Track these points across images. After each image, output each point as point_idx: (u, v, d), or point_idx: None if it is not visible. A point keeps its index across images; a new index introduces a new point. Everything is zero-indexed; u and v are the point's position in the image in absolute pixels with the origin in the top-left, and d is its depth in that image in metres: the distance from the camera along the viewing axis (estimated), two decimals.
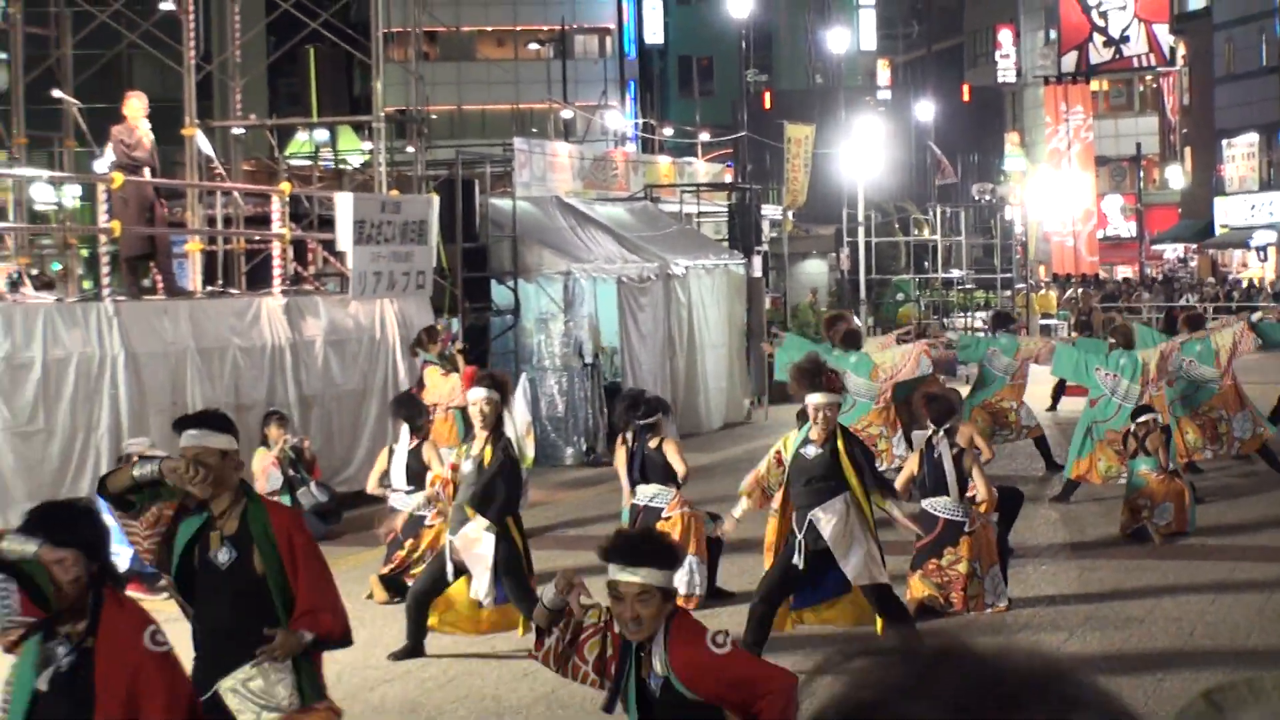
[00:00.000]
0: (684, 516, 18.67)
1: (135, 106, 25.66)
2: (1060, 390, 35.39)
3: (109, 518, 19.79)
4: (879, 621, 15.79)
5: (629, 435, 19.16)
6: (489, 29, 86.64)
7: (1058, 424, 31.63)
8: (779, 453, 16.58)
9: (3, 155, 30.28)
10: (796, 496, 15.69)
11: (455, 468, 17.07)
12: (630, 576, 8.38)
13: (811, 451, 15.58)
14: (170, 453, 22.18)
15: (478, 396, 16.45)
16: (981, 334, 29.23)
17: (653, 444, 19.02)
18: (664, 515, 18.70)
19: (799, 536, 15.44)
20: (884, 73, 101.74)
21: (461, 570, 16.34)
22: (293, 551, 10.12)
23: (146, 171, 25.74)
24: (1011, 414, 27.93)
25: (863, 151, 60.38)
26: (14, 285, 24.74)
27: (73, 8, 30.48)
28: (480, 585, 16.34)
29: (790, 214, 58.10)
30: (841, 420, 17.44)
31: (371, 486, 21.65)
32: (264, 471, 23.54)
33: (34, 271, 26.30)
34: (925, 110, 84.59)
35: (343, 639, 10.83)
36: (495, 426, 16.40)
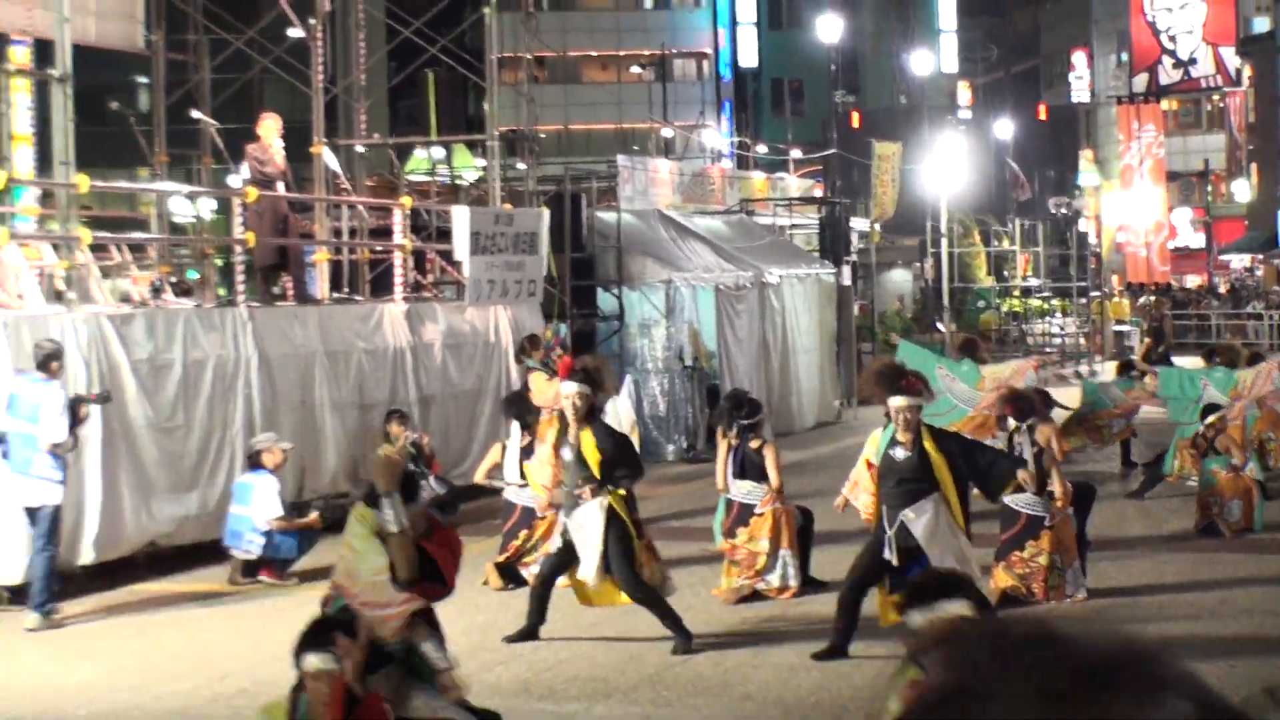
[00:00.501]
0: (775, 512, 18.70)
1: (269, 127, 25.85)
2: None
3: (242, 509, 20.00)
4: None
5: (731, 433, 19.23)
6: (594, 54, 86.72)
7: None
8: (868, 460, 16.61)
9: (145, 171, 30.52)
10: (886, 496, 15.64)
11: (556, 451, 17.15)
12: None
13: (900, 454, 15.52)
14: (298, 444, 22.40)
15: (570, 391, 16.48)
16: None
17: (754, 445, 19.10)
18: (757, 511, 18.77)
19: (889, 533, 15.43)
20: (964, 93, 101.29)
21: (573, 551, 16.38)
22: None
23: (280, 186, 25.91)
24: (1106, 431, 27.59)
25: (945, 167, 60.07)
26: (156, 292, 24.94)
27: (210, 35, 30.70)
28: (588, 567, 16.39)
29: (877, 226, 57.89)
30: (937, 424, 17.49)
31: (479, 477, 21.80)
32: None
33: (173, 279, 26.50)
34: (1004, 128, 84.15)
35: None
36: (587, 416, 16.45)
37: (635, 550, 16.13)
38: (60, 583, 18.20)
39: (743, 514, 18.84)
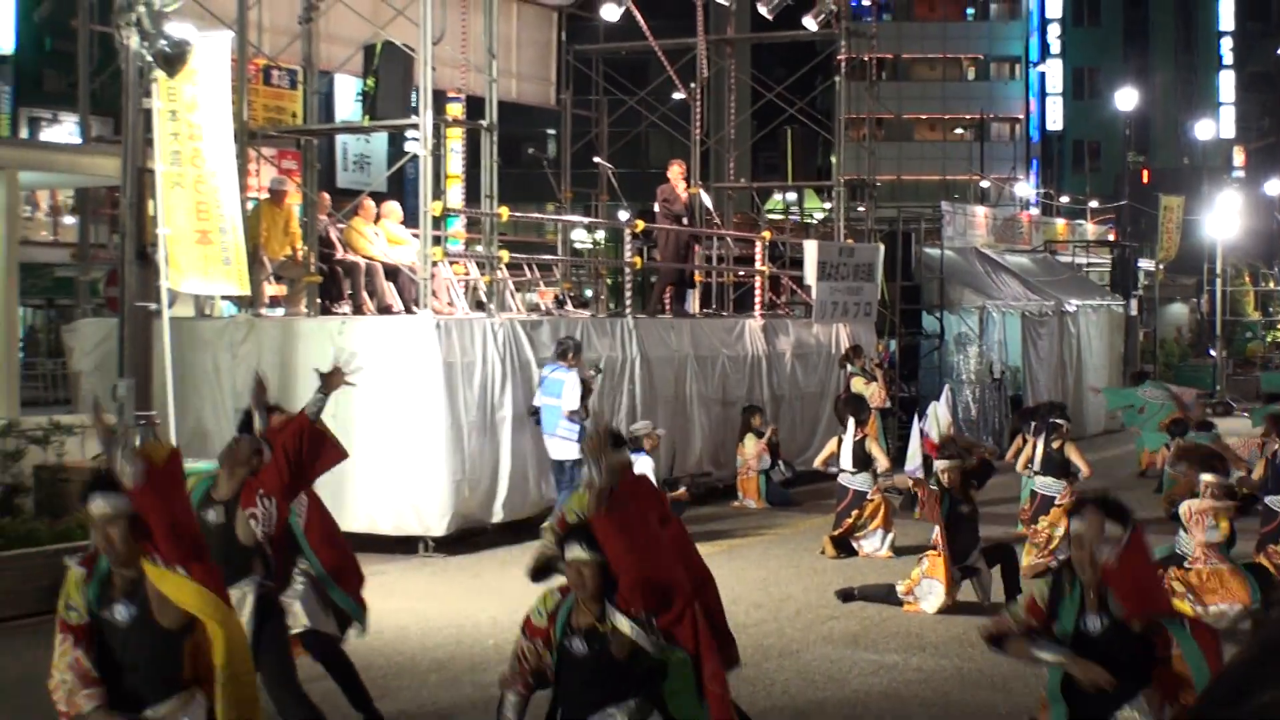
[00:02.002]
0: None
1: (675, 172, 26.27)
2: None
3: None
4: None
5: (1037, 435, 19.30)
6: (924, 116, 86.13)
7: None
8: None
9: (552, 205, 30.96)
10: None
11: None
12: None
13: None
14: (670, 431, 22.49)
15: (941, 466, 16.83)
16: None
17: (1055, 444, 18.99)
18: (1057, 501, 18.63)
19: None
20: (1239, 156, 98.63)
21: None
22: None
23: (685, 221, 26.24)
24: None
25: (1221, 219, 58.72)
26: (560, 303, 25.30)
27: (609, 95, 31.04)
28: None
29: (1161, 266, 56.87)
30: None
31: (818, 463, 21.91)
32: (757, 454, 23.87)
33: (572, 294, 26.82)
34: (1273, 187, 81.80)
35: None
36: None
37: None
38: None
39: (1044, 504, 18.91)
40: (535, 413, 19.90)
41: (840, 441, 20.24)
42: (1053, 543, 18.30)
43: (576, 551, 8.25)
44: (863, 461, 19.73)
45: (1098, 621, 7.92)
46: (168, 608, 7.46)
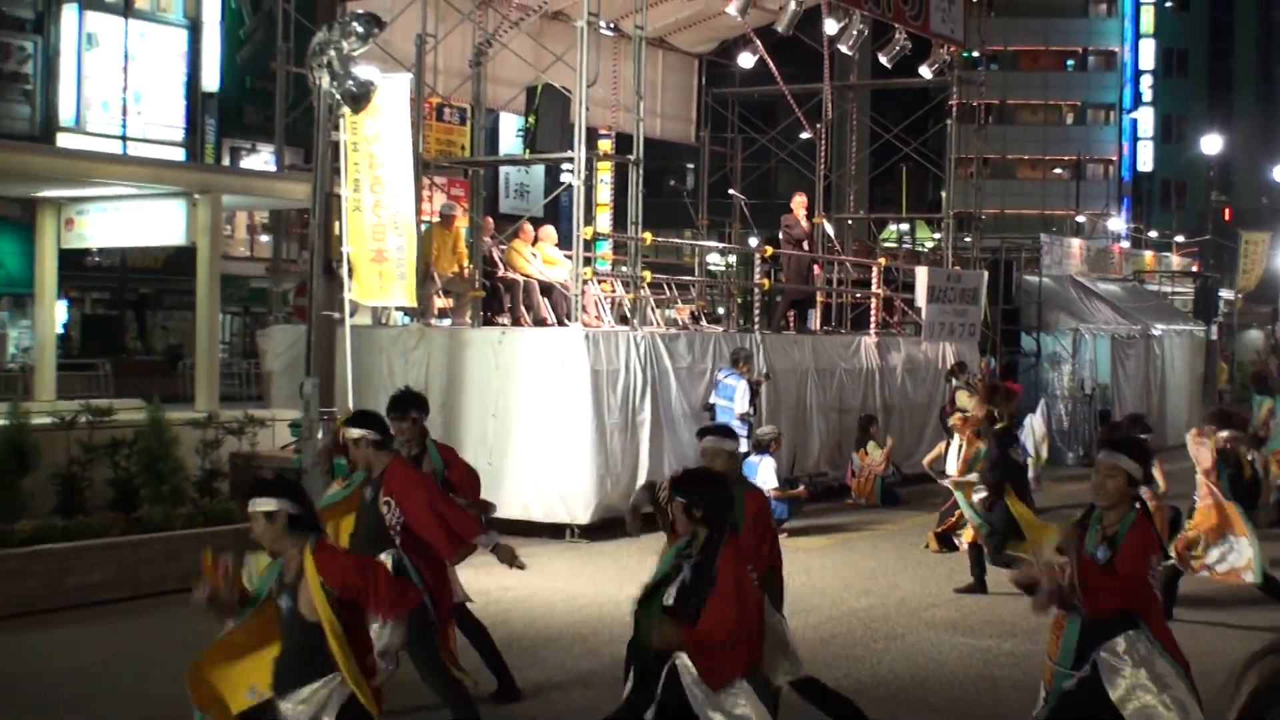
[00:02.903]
0: (1154, 509, 18.09)
1: (798, 202, 26.35)
2: None
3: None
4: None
5: None
6: (1025, 157, 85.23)
7: None
8: None
9: (690, 232, 30.93)
10: None
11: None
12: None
13: None
14: (791, 435, 22.40)
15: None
16: None
17: None
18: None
19: None
20: None
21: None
22: None
23: (805, 246, 26.20)
24: None
25: None
26: (695, 319, 25.28)
27: (742, 134, 31.11)
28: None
29: (1240, 295, 56.04)
30: None
31: (925, 462, 21.76)
32: (882, 461, 23.85)
33: (706, 311, 26.79)
34: None
35: None
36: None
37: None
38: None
39: None
40: (710, 409, 20.36)
41: (947, 446, 20.08)
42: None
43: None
44: (968, 466, 19.57)
45: (1105, 551, 7.88)
46: (312, 604, 7.44)
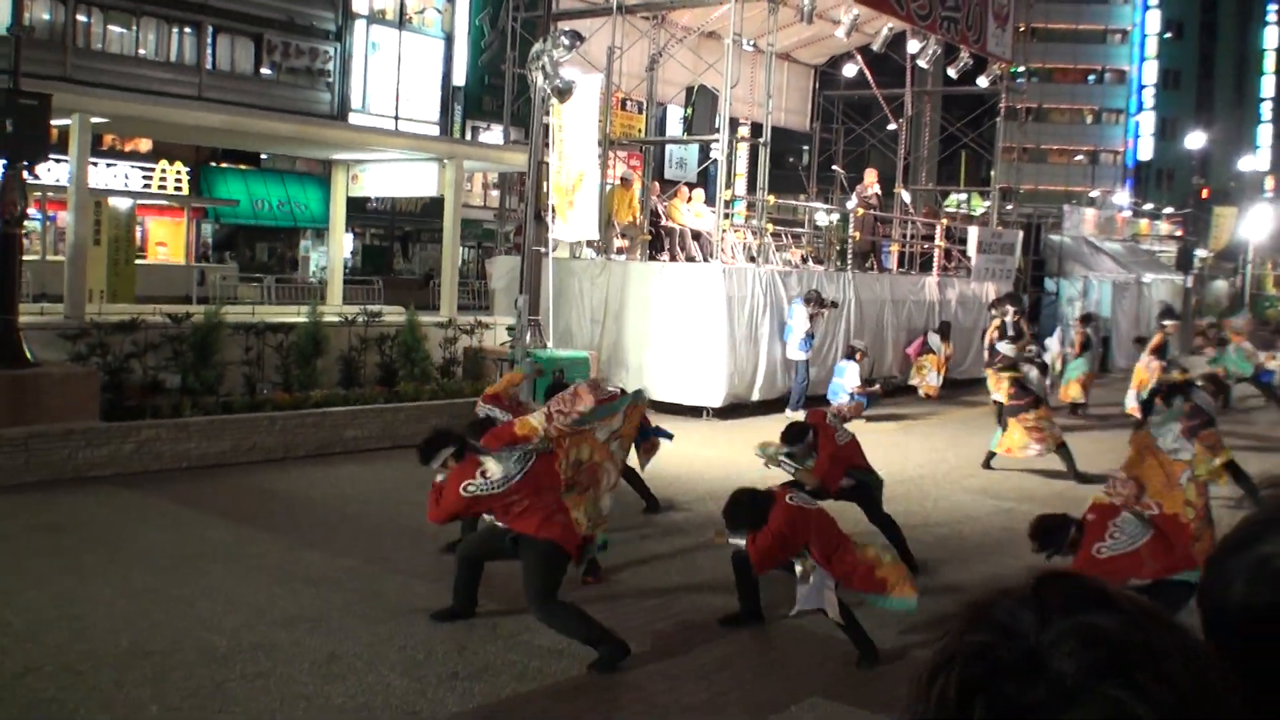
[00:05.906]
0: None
1: (870, 175, 25.53)
2: None
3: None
4: None
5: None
6: (1055, 147, 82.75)
7: None
8: None
9: (802, 196, 30.29)
10: None
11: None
12: None
13: None
14: (872, 346, 21.88)
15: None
16: None
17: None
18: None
19: None
20: (1270, 182, 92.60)
21: None
22: None
23: (875, 206, 25.56)
24: None
25: (1254, 225, 55.48)
26: (804, 260, 24.77)
27: (845, 124, 30.54)
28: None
29: (1211, 254, 54.19)
30: None
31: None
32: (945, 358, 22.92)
33: (813, 255, 26.22)
34: None
35: None
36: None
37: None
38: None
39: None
40: (783, 326, 19.99)
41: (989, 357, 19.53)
42: None
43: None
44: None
45: None
46: None
